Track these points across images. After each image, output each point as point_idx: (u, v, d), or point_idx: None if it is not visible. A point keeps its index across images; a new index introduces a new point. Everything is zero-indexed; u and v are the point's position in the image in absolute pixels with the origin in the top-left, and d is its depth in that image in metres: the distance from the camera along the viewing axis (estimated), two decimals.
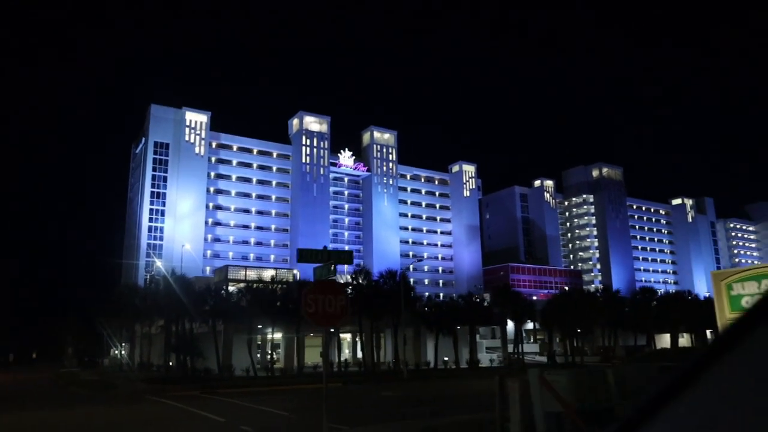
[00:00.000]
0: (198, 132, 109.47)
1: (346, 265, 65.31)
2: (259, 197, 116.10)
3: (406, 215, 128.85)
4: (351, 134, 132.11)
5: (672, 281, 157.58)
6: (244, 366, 55.61)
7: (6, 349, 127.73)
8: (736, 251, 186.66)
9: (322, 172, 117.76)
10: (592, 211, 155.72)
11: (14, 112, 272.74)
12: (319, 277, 13.04)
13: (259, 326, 61.20)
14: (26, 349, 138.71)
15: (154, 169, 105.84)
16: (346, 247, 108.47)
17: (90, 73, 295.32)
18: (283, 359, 65.87)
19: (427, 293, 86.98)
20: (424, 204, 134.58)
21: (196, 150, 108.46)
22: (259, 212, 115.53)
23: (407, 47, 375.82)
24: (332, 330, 48.12)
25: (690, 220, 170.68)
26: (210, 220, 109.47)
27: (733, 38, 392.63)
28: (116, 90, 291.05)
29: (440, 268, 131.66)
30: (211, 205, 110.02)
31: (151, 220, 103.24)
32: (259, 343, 67.00)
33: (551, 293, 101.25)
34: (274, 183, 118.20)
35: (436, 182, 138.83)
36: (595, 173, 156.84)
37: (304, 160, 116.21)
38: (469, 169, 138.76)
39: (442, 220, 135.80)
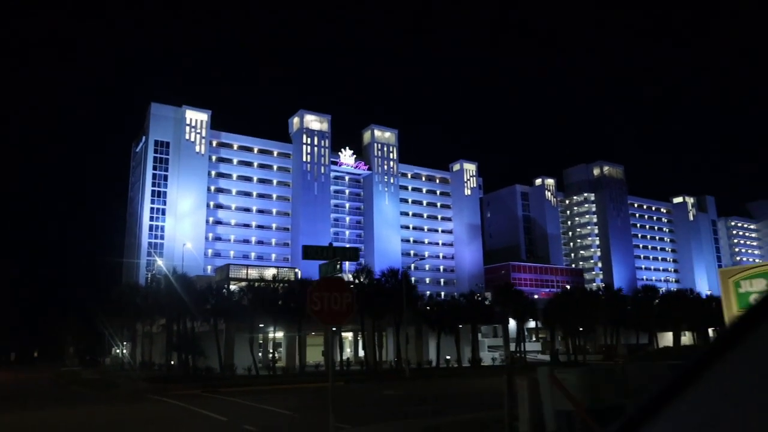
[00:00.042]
0: (198, 131, 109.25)
1: (348, 264, 65.21)
2: (260, 196, 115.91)
3: (407, 214, 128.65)
4: (351, 133, 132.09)
5: (673, 279, 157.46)
6: (245, 365, 55.62)
7: (7, 349, 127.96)
8: (737, 249, 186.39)
9: (322, 170, 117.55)
10: (594, 209, 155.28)
11: (14, 112, 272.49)
12: (325, 274, 12.86)
13: (261, 325, 61.20)
14: (27, 349, 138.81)
15: (154, 168, 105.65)
16: (348, 246, 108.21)
17: (90, 73, 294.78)
18: (284, 358, 65.87)
19: (428, 292, 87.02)
20: (425, 203, 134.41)
21: (197, 149, 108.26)
22: (260, 211, 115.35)
23: (407, 47, 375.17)
24: (334, 329, 47.94)
25: (691, 218, 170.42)
26: (211, 219, 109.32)
27: (733, 38, 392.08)
28: (116, 90, 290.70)
29: (441, 267, 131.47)
30: (211, 203, 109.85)
31: (151, 219, 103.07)
32: (261, 342, 66.98)
33: (553, 292, 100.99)
34: (274, 182, 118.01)
35: (437, 181, 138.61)
36: (596, 171, 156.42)
37: (304, 159, 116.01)
38: (470, 167, 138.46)
39: (443, 218, 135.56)
